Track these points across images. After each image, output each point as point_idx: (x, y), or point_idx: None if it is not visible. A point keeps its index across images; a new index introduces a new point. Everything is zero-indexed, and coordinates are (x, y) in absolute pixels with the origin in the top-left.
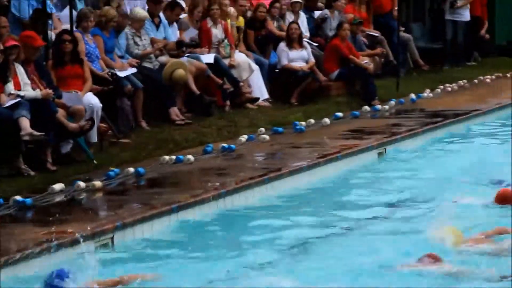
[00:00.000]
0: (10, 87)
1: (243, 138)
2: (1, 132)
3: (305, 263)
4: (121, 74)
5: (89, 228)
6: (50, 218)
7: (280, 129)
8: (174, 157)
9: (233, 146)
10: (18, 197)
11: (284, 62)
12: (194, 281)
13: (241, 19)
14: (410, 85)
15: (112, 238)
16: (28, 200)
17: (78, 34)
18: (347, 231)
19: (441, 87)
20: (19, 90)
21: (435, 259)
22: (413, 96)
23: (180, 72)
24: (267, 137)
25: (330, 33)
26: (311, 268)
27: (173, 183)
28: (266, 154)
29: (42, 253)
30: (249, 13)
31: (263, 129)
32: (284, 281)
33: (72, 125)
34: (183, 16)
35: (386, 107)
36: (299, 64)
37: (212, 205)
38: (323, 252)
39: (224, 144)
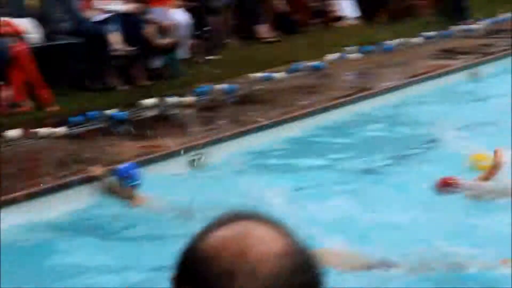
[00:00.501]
0: (99, 1)
1: (332, 56)
2: (93, 48)
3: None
4: None
5: (180, 143)
6: (143, 133)
7: (369, 47)
8: (263, 74)
9: (322, 64)
10: (112, 111)
11: None
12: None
13: None
14: (504, 3)
15: (203, 154)
16: (122, 114)
17: None
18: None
19: None
20: (109, 4)
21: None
22: (507, 15)
23: None
24: (355, 55)
25: None
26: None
27: (262, 101)
28: (354, 72)
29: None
30: None
31: (351, 48)
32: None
33: (162, 41)
34: None
35: (478, 26)
36: None
37: (301, 122)
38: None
39: (314, 62)
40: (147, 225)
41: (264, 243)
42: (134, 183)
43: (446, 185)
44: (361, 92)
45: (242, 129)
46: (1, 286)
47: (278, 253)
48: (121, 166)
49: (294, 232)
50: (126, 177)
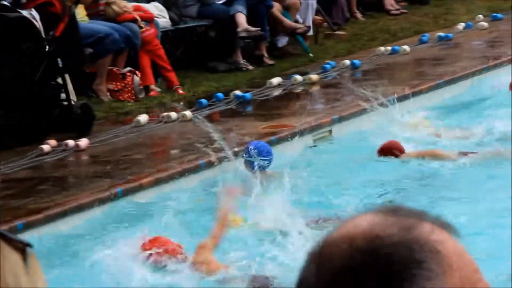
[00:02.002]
0: None
1: (460, 26)
2: (219, 29)
3: None
4: None
5: (306, 122)
6: (269, 112)
7: (500, 15)
8: (389, 47)
9: (450, 34)
10: (237, 92)
11: None
12: None
13: None
14: None
15: (330, 131)
16: (247, 95)
17: None
18: None
19: None
20: None
21: None
22: None
23: None
24: (485, 24)
25: None
26: None
27: (388, 75)
28: (484, 42)
29: None
30: None
31: (481, 16)
32: None
33: (288, 22)
34: None
35: None
36: None
37: (429, 96)
38: None
39: (441, 33)
40: None
41: (348, 229)
42: (266, 160)
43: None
44: (491, 61)
45: (366, 105)
46: None
47: (350, 238)
48: (254, 142)
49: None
50: (259, 152)
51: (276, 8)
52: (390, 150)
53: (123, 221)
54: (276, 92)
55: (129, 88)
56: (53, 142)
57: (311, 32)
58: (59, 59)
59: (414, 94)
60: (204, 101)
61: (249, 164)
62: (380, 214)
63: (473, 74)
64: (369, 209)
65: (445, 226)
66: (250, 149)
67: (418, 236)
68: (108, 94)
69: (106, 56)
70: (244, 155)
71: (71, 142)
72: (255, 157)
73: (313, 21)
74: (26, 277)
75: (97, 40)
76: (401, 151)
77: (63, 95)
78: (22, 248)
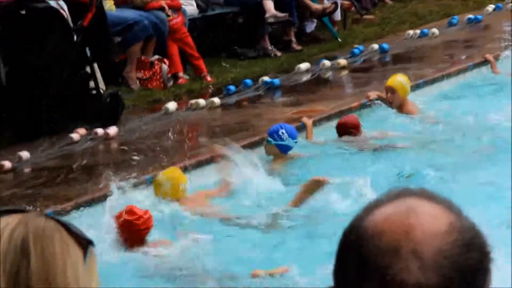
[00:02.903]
0: None
1: (490, 8)
2: (247, 15)
3: None
4: None
5: (335, 107)
6: (297, 97)
7: None
8: (418, 31)
9: (479, 16)
10: (266, 78)
11: None
12: None
13: None
14: None
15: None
16: (276, 81)
17: None
18: None
19: None
20: None
21: None
22: None
23: None
24: None
25: None
26: None
27: (418, 58)
28: None
29: None
30: None
31: None
32: None
33: (315, 6)
34: None
35: None
36: None
37: (458, 78)
38: None
39: (470, 15)
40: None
41: (428, 221)
42: (291, 142)
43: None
44: None
45: None
46: None
47: (442, 231)
48: (281, 125)
49: (460, 209)
50: (290, 134)
51: None
52: (345, 128)
53: (151, 209)
54: (305, 78)
55: (158, 76)
56: (82, 131)
57: (339, 17)
58: (87, 49)
59: (444, 77)
60: (232, 87)
61: (281, 147)
62: (426, 199)
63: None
64: (401, 192)
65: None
66: (282, 132)
67: (474, 223)
68: (137, 82)
69: (136, 43)
70: (269, 139)
71: (100, 131)
72: (287, 139)
73: (341, 5)
74: (84, 274)
75: (126, 27)
76: (357, 127)
77: (92, 84)
78: (85, 245)
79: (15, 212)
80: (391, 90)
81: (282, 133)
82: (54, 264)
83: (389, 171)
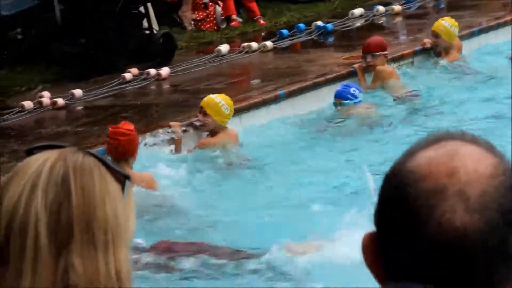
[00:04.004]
0: None
1: None
2: None
3: None
4: None
5: (389, 52)
6: (350, 43)
7: None
8: None
9: None
10: (319, 22)
11: None
12: None
13: None
14: None
15: (412, 62)
16: (329, 25)
17: None
18: None
19: None
20: None
21: None
22: None
23: None
24: None
25: None
26: None
27: (472, 6)
28: None
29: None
30: None
31: None
32: None
33: None
34: None
35: None
36: None
37: None
38: None
39: None
40: None
41: (473, 163)
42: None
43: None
44: None
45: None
46: None
47: (487, 173)
48: (339, 89)
49: (503, 152)
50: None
51: None
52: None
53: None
54: (358, 23)
55: (211, 18)
56: (135, 70)
57: None
58: None
59: (500, 26)
60: (285, 31)
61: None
62: (467, 142)
63: None
64: (443, 135)
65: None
66: (353, 90)
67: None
68: (192, 22)
69: None
70: (346, 102)
71: (152, 71)
72: (359, 94)
73: None
74: (122, 209)
75: None
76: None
77: (145, 24)
78: (122, 180)
79: (52, 148)
80: (435, 34)
81: (354, 91)
82: (94, 199)
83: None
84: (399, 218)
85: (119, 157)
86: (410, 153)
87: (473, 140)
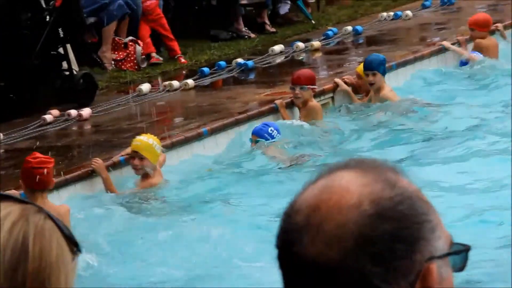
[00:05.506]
0: None
1: None
2: None
3: None
4: None
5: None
6: (271, 79)
7: None
8: (392, 13)
9: None
10: (239, 60)
11: None
12: None
13: None
14: None
15: (332, 98)
16: (250, 62)
17: None
18: None
19: None
20: None
21: None
22: None
23: None
24: None
25: None
26: None
27: (391, 40)
28: (487, 6)
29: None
30: None
31: None
32: None
33: None
34: None
35: None
36: None
37: (432, 61)
38: None
39: None
40: None
41: (338, 196)
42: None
43: None
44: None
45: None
46: None
47: (349, 204)
48: (257, 127)
49: (398, 176)
50: (278, 130)
51: None
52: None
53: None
54: (279, 60)
55: (132, 58)
56: (55, 112)
57: None
58: (60, 29)
59: (416, 60)
60: (206, 69)
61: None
62: (354, 171)
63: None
64: (334, 165)
65: (401, 171)
66: (271, 130)
67: (405, 191)
68: (112, 62)
69: (111, 23)
70: (261, 140)
71: (73, 112)
72: (277, 135)
73: None
74: (72, 280)
75: (101, 6)
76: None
77: (65, 65)
78: (74, 251)
79: (13, 200)
80: (358, 75)
81: (272, 130)
82: (50, 266)
83: None
84: (278, 247)
85: (41, 187)
86: (305, 185)
87: (356, 167)
